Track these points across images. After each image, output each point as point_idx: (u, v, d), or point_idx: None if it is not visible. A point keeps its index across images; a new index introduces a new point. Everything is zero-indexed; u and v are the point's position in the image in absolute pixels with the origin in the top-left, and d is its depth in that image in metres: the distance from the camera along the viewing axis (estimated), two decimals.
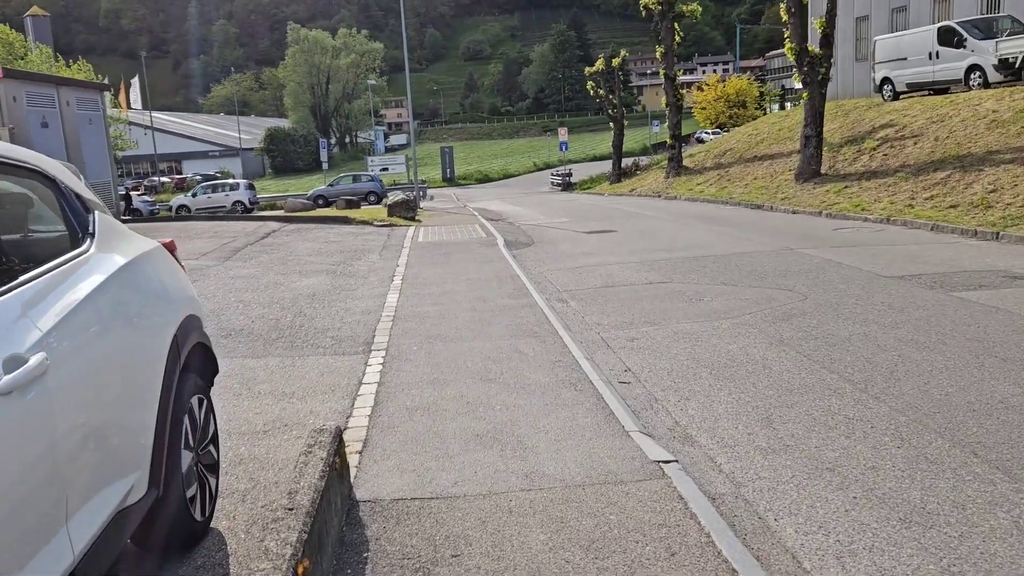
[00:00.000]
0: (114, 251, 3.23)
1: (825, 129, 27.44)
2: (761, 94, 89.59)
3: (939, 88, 25.00)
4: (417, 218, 22.92)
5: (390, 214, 22.02)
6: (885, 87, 27.66)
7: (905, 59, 26.62)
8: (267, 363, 7.05)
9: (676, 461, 4.46)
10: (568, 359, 6.76)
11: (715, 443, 4.85)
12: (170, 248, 3.84)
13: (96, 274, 2.92)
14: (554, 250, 14.54)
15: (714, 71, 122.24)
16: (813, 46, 21.48)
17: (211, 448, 3.72)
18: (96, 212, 3.27)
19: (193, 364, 3.60)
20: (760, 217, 18.75)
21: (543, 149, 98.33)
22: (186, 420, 3.36)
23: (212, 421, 3.80)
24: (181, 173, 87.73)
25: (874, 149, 21.63)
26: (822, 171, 21.63)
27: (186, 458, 3.32)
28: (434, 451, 4.73)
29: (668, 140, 33.70)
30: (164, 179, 76.41)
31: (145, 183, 73.22)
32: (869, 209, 16.90)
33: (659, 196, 30.50)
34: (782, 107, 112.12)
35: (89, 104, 18.04)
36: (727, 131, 79.19)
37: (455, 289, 10.52)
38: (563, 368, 6.49)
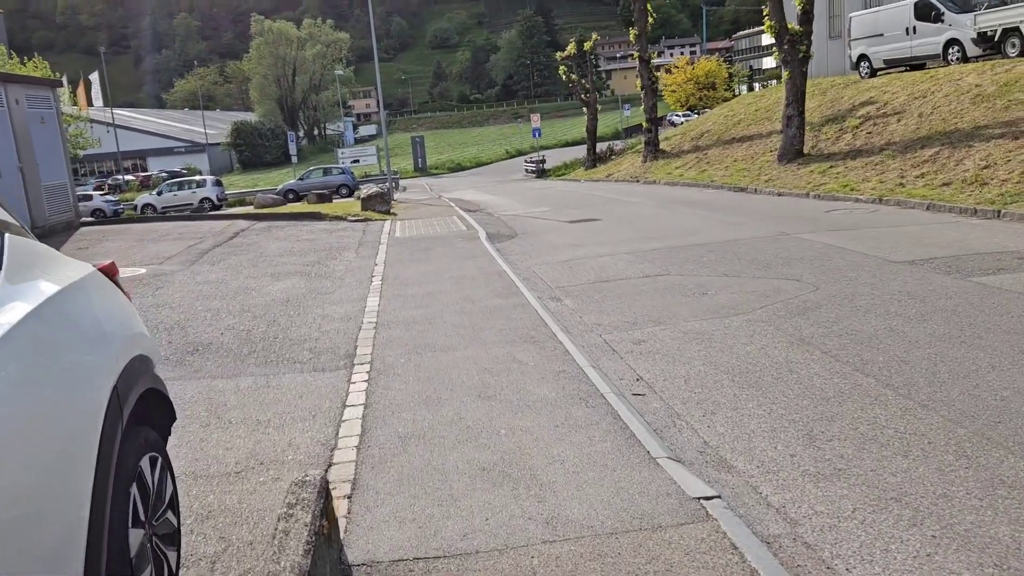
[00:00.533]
0: (32, 281, 2.54)
1: (809, 108, 27.07)
2: (730, 75, 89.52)
3: (916, 64, 24.68)
4: (392, 211, 22.16)
5: (364, 208, 21.24)
6: (862, 64, 27.29)
7: (882, 35, 26.26)
8: (238, 384, 6.35)
9: (719, 497, 3.85)
10: (572, 368, 6.14)
11: (755, 468, 4.25)
12: (109, 273, 3.14)
13: (2, 314, 2.24)
14: (539, 242, 13.91)
15: (681, 53, 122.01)
16: (792, 23, 20.97)
17: (169, 515, 3.04)
18: (6, 235, 2.57)
19: (143, 416, 2.92)
20: (745, 200, 18.24)
21: (514, 136, 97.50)
22: (134, 489, 2.68)
23: (169, 481, 3.11)
24: (146, 171, 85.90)
25: (857, 127, 21.21)
26: (805, 151, 21.18)
27: (135, 537, 2.64)
28: (436, 492, 4.09)
29: (644, 124, 33.16)
30: (128, 177, 74.56)
31: (109, 182, 71.40)
32: (859, 189, 16.44)
33: (637, 181, 29.96)
34: (751, 88, 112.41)
35: (41, 102, 17.04)
36: (698, 113, 79.05)
37: (440, 289, 9.85)
38: (568, 379, 5.86)
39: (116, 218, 19.54)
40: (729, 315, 7.52)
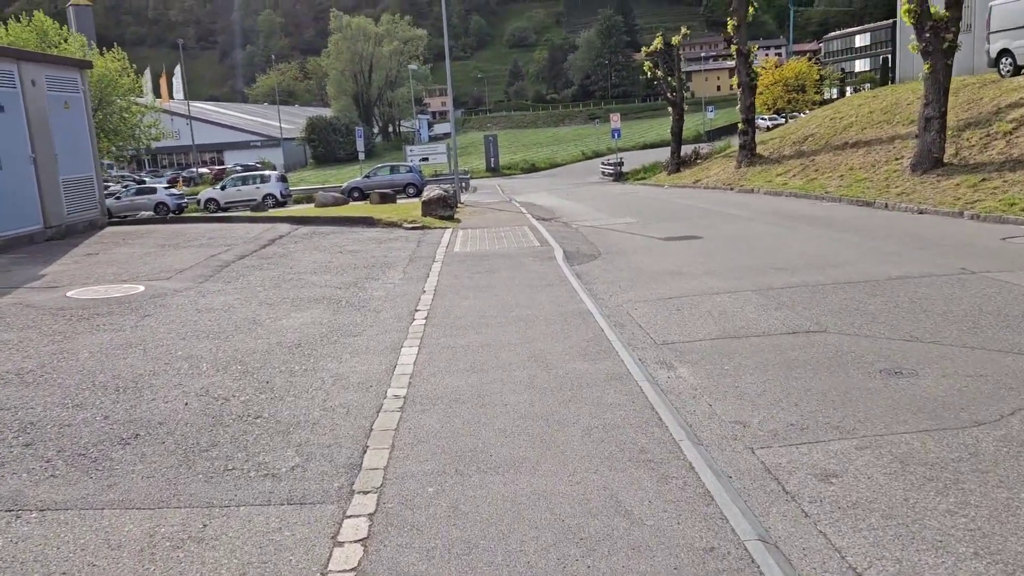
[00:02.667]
0: None
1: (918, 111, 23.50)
2: (821, 77, 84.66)
3: None
4: (456, 216, 19.65)
5: (424, 213, 18.78)
6: (1003, 60, 23.51)
7: None
8: (156, 526, 3.82)
9: None
10: (725, 540, 3.40)
11: None
12: None
13: None
14: (628, 265, 11.12)
15: (767, 55, 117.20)
16: (937, 7, 17.61)
17: None
18: None
19: None
20: (877, 218, 15.05)
21: (590, 137, 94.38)
22: None
23: None
24: (223, 163, 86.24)
25: (1011, 133, 17.71)
26: (944, 160, 17.79)
27: None
28: None
29: (740, 125, 29.85)
30: (202, 170, 74.50)
31: (183, 174, 71.34)
32: None
33: (731, 188, 26.77)
34: (842, 92, 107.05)
35: (65, 84, 15.08)
36: (785, 118, 74.72)
37: (502, 339, 7.19)
38: (727, 573, 3.13)
39: (162, 218, 17.67)
40: (963, 424, 4.64)
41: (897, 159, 20.52)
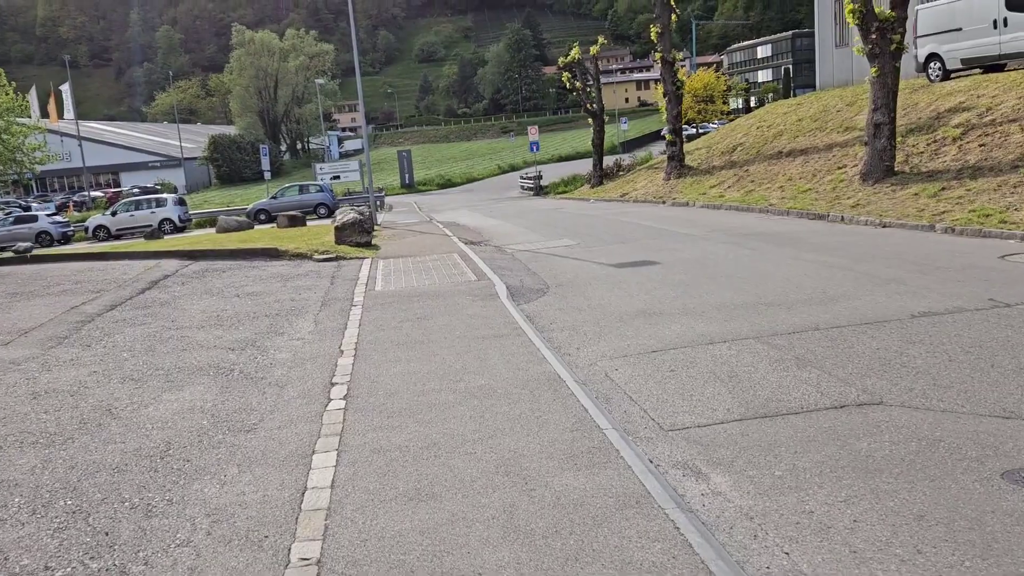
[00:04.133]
0: None
1: (863, 118, 22.79)
2: (728, 88, 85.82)
3: (998, 65, 20.65)
4: (374, 243, 17.56)
5: (338, 240, 16.62)
6: (931, 64, 23.02)
7: (959, 30, 22.05)
8: None
9: None
10: None
11: None
12: None
13: None
14: (587, 303, 9.33)
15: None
16: (882, 7, 16.64)
17: None
18: None
19: None
20: (841, 233, 13.77)
21: (505, 151, 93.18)
22: None
23: None
24: (119, 186, 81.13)
25: (960, 138, 16.85)
26: (895, 168, 16.79)
27: None
28: None
29: (667, 136, 28.74)
30: (96, 193, 69.49)
31: (75, 198, 66.35)
32: (1014, 221, 12.02)
33: (663, 202, 25.52)
34: (747, 102, 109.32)
35: None
36: (696, 128, 75.18)
37: (452, 431, 5.25)
38: None
39: (20, 257, 14.86)
40: None
41: (839, 167, 19.53)
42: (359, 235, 16.82)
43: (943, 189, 14.76)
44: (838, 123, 23.38)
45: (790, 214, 17.43)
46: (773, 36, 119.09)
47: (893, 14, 16.11)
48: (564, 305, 9.32)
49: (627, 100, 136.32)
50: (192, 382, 6.80)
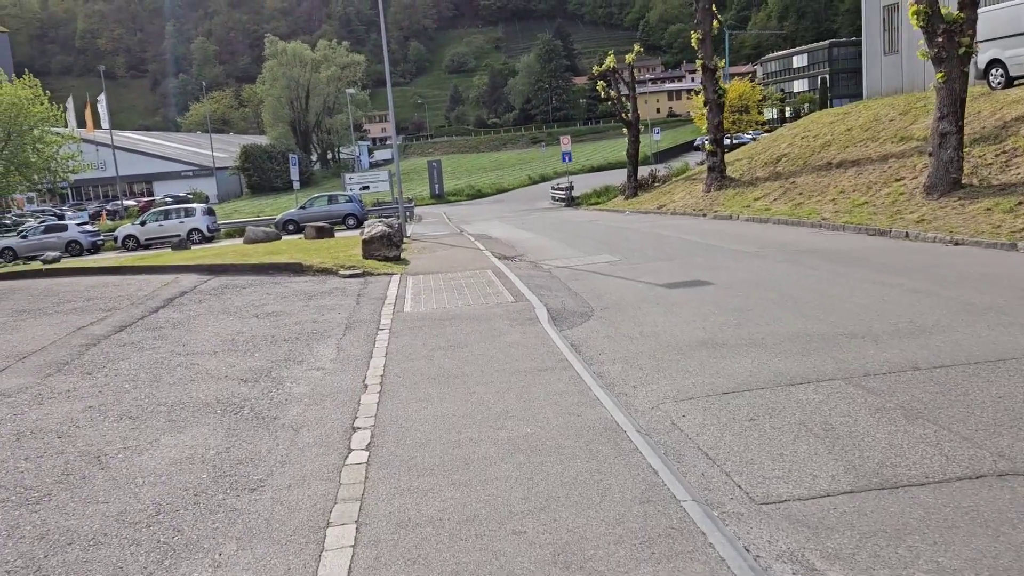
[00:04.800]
0: None
1: (924, 125, 21.59)
2: (763, 98, 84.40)
3: None
4: (403, 256, 16.75)
5: (365, 254, 15.82)
6: (992, 71, 21.78)
7: None
8: None
9: None
10: None
11: None
12: None
13: None
14: (638, 330, 8.37)
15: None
16: (948, 7, 15.52)
17: None
18: None
19: None
20: (908, 251, 12.66)
21: (535, 161, 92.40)
22: None
23: None
24: (152, 195, 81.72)
25: None
26: (962, 181, 15.63)
27: None
28: None
29: (707, 146, 27.68)
30: (128, 202, 69.84)
31: (108, 207, 66.70)
32: None
33: (704, 215, 24.46)
34: (782, 113, 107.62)
35: None
36: (731, 138, 73.72)
37: (495, 499, 4.32)
38: None
39: (35, 271, 14.35)
40: None
41: (897, 180, 18.38)
42: (387, 249, 16.01)
43: (1020, 203, 13.59)
44: (892, 133, 22.20)
45: (846, 229, 16.31)
46: (809, 45, 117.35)
47: (962, 15, 14.99)
48: (613, 332, 8.37)
49: (658, 111, 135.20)
50: (196, 422, 5.96)
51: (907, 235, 14.28)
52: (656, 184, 38.47)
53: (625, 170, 39.72)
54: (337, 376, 7.11)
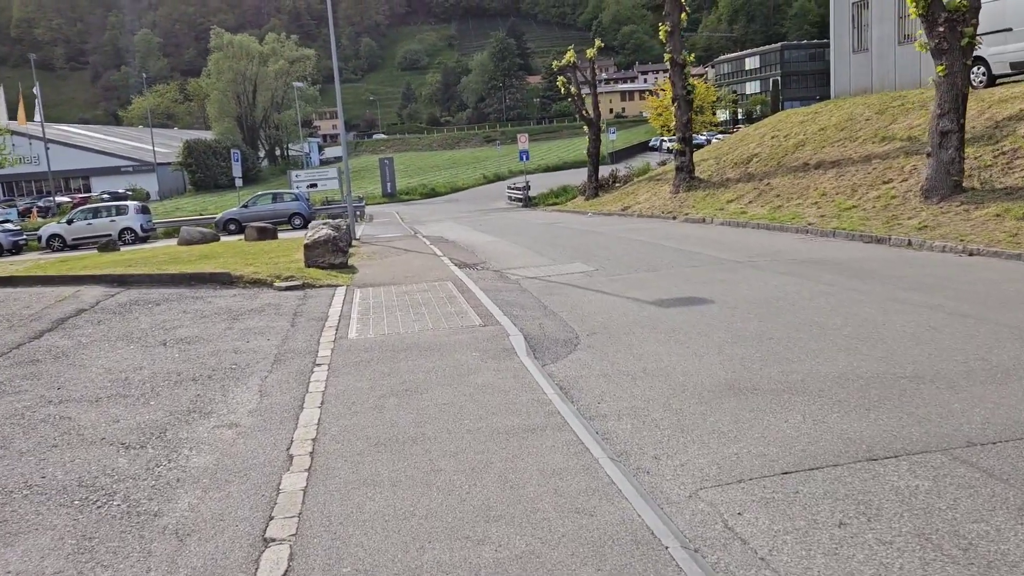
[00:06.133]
0: None
1: (905, 125, 20.49)
2: (717, 99, 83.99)
3: None
4: (350, 263, 14.90)
5: (308, 261, 13.92)
6: (975, 69, 20.78)
7: (1010, 30, 19.95)
8: None
9: None
10: None
11: None
12: None
13: None
14: (642, 366, 6.73)
15: (655, 79, 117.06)
16: None
17: None
18: None
19: None
20: (921, 263, 11.28)
21: (489, 160, 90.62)
22: None
23: None
24: (89, 191, 77.96)
25: None
26: (963, 184, 14.38)
27: None
28: None
29: (675, 145, 26.29)
30: (62, 199, 66.16)
31: (40, 204, 63.00)
32: None
33: (673, 217, 23.05)
34: (734, 114, 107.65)
35: None
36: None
37: None
38: None
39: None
40: None
41: (885, 182, 17.14)
42: (332, 255, 14.14)
43: None
44: (871, 133, 21.04)
45: (836, 235, 14.95)
46: (762, 48, 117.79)
47: (965, 3, 13.71)
48: (608, 368, 6.71)
49: (611, 111, 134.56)
50: (36, 526, 4.11)
51: (909, 243, 12.93)
52: (617, 185, 37.10)
53: (582, 170, 38.40)
54: (254, 439, 5.30)
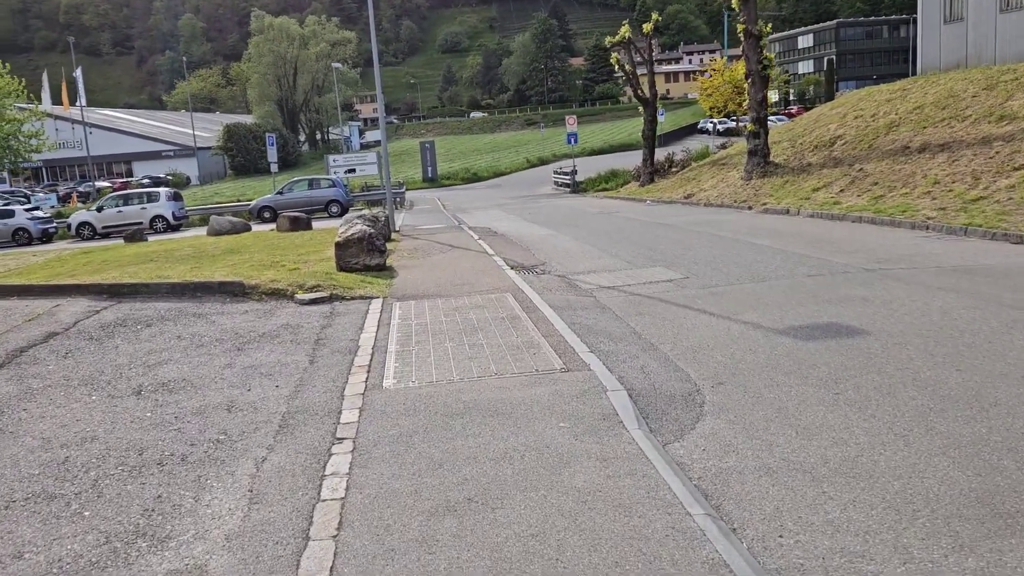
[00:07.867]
0: None
1: (1019, 104, 17.72)
2: (771, 78, 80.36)
3: None
4: (389, 263, 12.78)
5: (339, 263, 11.84)
6: None
7: None
8: None
9: None
10: None
11: None
12: None
13: None
14: (821, 455, 4.47)
15: (701, 60, 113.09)
16: None
17: None
18: None
19: None
20: None
21: (531, 143, 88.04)
22: None
23: None
24: (131, 175, 77.49)
25: None
26: None
27: None
28: None
29: (749, 126, 23.70)
30: (101, 184, 65.39)
31: (80, 188, 62.21)
32: None
33: (749, 208, 20.55)
34: (785, 96, 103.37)
35: None
36: (736, 121, 69.69)
37: None
38: None
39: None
40: None
41: (1016, 168, 14.49)
42: (368, 255, 12.01)
43: None
44: (983, 111, 18.29)
45: (969, 234, 12.40)
46: (816, 25, 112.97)
47: None
48: (767, 455, 4.44)
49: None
50: None
51: None
52: (674, 169, 34.49)
53: (627, 153, 35.92)
54: None
